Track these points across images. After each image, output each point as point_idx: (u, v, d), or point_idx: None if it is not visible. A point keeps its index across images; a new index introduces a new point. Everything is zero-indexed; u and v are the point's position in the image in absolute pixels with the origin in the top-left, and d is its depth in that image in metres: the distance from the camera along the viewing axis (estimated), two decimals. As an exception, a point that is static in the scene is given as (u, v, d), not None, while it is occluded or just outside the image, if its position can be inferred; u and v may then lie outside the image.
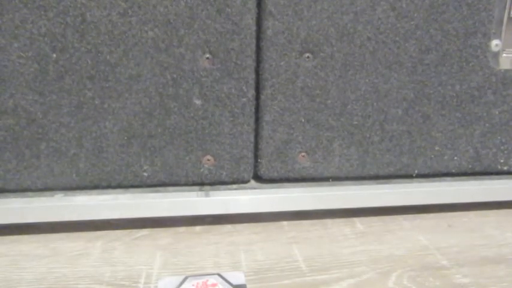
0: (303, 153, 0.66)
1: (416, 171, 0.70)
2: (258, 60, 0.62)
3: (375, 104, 0.66)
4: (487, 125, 0.69)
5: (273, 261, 0.57)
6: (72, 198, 0.61)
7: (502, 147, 0.71)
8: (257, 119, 0.64)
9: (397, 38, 0.63)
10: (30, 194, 0.62)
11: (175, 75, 0.60)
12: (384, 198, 0.67)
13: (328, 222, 0.67)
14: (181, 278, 0.51)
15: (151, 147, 0.62)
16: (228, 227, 0.65)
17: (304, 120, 0.65)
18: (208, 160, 0.64)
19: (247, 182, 0.67)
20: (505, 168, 0.72)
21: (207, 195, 0.63)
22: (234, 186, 0.66)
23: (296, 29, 0.61)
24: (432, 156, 0.70)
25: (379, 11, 0.62)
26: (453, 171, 0.71)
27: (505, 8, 0.65)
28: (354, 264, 0.57)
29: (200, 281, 0.50)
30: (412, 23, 0.63)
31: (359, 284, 0.53)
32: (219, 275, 0.52)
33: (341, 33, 0.62)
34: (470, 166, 0.71)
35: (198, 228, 0.65)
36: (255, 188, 0.66)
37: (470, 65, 0.66)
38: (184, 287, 0.49)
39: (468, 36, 0.65)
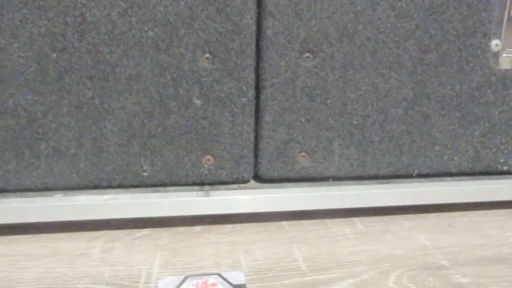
0: (303, 153, 0.66)
1: (416, 171, 0.70)
2: (258, 60, 0.62)
3: (374, 104, 0.66)
4: (487, 125, 0.69)
5: (273, 261, 0.57)
6: (72, 198, 0.61)
7: (502, 147, 0.71)
8: (257, 119, 0.65)
9: (397, 38, 0.63)
10: (30, 194, 0.62)
11: (175, 75, 0.60)
12: (384, 198, 0.67)
13: (328, 222, 0.67)
14: (181, 278, 0.51)
15: (151, 147, 0.62)
16: (228, 227, 0.65)
17: (304, 120, 0.65)
18: (208, 160, 0.64)
19: (247, 182, 0.67)
20: (505, 168, 0.72)
21: (207, 195, 0.63)
22: (234, 186, 0.66)
23: (296, 29, 0.61)
24: (432, 156, 0.70)
25: (379, 11, 0.62)
26: (453, 171, 0.71)
27: (505, 8, 0.65)
28: (353, 264, 0.57)
29: (200, 280, 0.50)
30: (412, 23, 0.63)
31: (359, 284, 0.53)
32: (219, 274, 0.52)
33: (341, 33, 0.62)
34: (470, 166, 0.71)
35: (198, 228, 0.65)
36: (255, 188, 0.66)
37: (470, 65, 0.66)
38: (184, 287, 0.49)
39: (468, 36, 0.65)
